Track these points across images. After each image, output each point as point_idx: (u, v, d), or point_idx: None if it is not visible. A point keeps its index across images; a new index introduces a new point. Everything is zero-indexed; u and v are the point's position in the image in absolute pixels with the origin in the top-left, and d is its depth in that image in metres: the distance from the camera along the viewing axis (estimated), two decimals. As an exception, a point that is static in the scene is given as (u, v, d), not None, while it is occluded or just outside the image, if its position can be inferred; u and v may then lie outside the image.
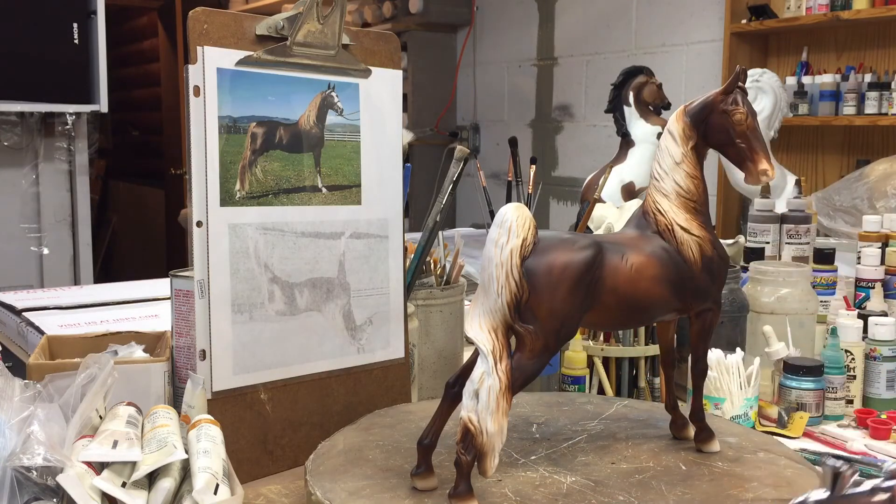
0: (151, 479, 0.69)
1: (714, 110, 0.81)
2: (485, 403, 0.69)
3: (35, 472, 0.65)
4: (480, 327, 0.72)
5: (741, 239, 1.56)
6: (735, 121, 0.80)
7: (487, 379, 0.69)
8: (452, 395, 0.76)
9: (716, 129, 0.81)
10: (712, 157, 0.84)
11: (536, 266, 0.72)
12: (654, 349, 1.16)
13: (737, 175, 2.40)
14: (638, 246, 0.79)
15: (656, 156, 0.84)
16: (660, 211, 0.82)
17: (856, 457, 1.03)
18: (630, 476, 0.79)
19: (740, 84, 0.82)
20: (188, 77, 0.86)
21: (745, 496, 0.75)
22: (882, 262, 1.43)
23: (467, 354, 1.27)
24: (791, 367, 1.14)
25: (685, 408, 0.89)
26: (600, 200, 1.28)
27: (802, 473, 0.81)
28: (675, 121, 0.83)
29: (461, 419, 0.70)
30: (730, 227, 3.17)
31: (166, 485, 0.68)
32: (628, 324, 0.97)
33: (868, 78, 2.98)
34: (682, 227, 0.81)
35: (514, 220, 0.71)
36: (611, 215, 1.30)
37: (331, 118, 0.96)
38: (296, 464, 0.94)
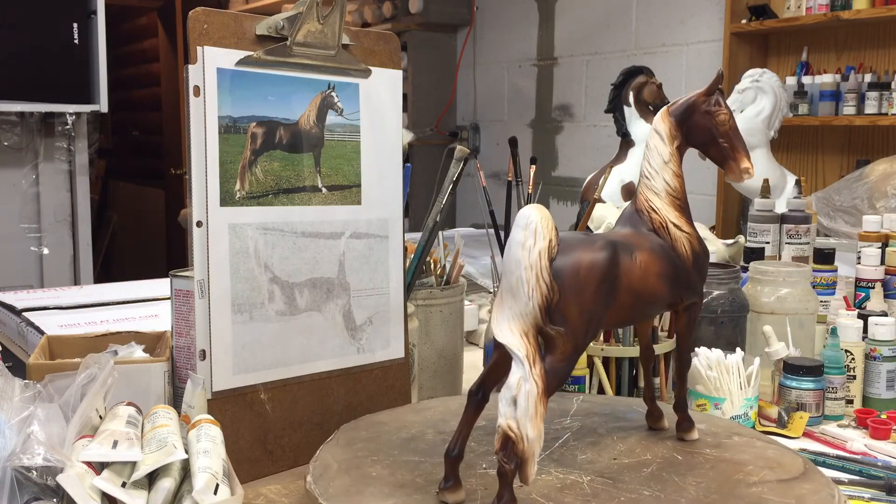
0: (151, 479, 0.69)
1: (696, 111, 0.84)
2: (524, 409, 0.67)
3: (35, 472, 0.65)
4: (511, 331, 0.69)
5: (741, 239, 1.56)
6: (719, 121, 0.83)
7: (525, 384, 0.67)
8: (477, 402, 0.74)
9: (699, 129, 0.84)
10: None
11: (563, 267, 0.71)
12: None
13: (737, 175, 2.40)
14: (641, 244, 0.80)
15: (645, 155, 0.86)
16: (653, 209, 0.83)
17: (856, 457, 1.03)
18: (638, 470, 0.80)
19: (720, 86, 0.85)
20: (188, 77, 0.86)
21: (750, 479, 0.78)
22: (882, 262, 1.43)
23: (467, 355, 1.28)
24: (791, 367, 1.14)
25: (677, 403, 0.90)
26: (600, 200, 1.28)
27: (784, 452, 0.85)
28: (661, 121, 0.85)
29: (500, 427, 0.67)
30: (730, 227, 3.16)
31: (166, 485, 0.68)
32: (633, 321, 0.98)
33: (868, 78, 2.98)
34: (674, 225, 0.83)
35: (538, 221, 0.71)
36: (611, 215, 1.30)
37: (331, 118, 0.96)
38: (296, 464, 0.94)
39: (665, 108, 0.86)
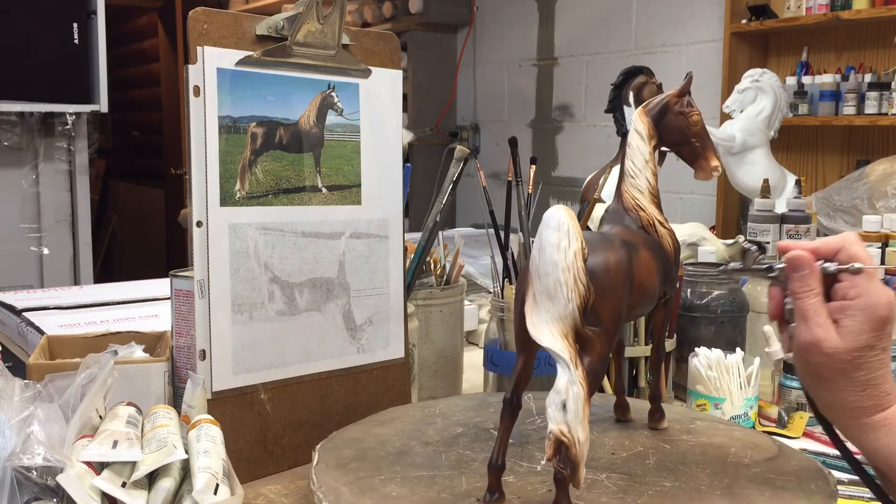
0: (151, 479, 0.69)
1: (670, 111, 0.86)
2: (573, 413, 0.66)
3: (35, 472, 0.65)
4: (553, 335, 0.68)
5: (741, 239, 1.56)
6: (692, 121, 0.85)
7: (572, 387, 0.66)
8: (512, 408, 0.73)
9: (672, 129, 0.86)
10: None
11: (595, 267, 0.71)
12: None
13: (737, 175, 2.40)
14: (638, 241, 0.81)
15: (628, 154, 0.87)
16: (641, 207, 0.85)
17: (856, 457, 1.02)
18: (641, 462, 0.81)
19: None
20: (188, 77, 0.86)
21: (744, 462, 0.80)
22: (882, 262, 1.43)
23: (468, 355, 1.27)
24: (791, 368, 1.14)
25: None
26: (600, 200, 1.27)
27: (749, 432, 0.89)
28: (639, 121, 0.86)
29: (552, 433, 0.66)
30: (730, 227, 3.16)
31: (166, 485, 0.68)
32: (632, 318, 1.00)
33: (868, 78, 2.98)
34: (659, 222, 0.85)
35: (569, 222, 0.69)
36: (611, 215, 1.29)
37: (331, 118, 0.96)
38: (296, 464, 0.94)
39: (641, 108, 0.87)
